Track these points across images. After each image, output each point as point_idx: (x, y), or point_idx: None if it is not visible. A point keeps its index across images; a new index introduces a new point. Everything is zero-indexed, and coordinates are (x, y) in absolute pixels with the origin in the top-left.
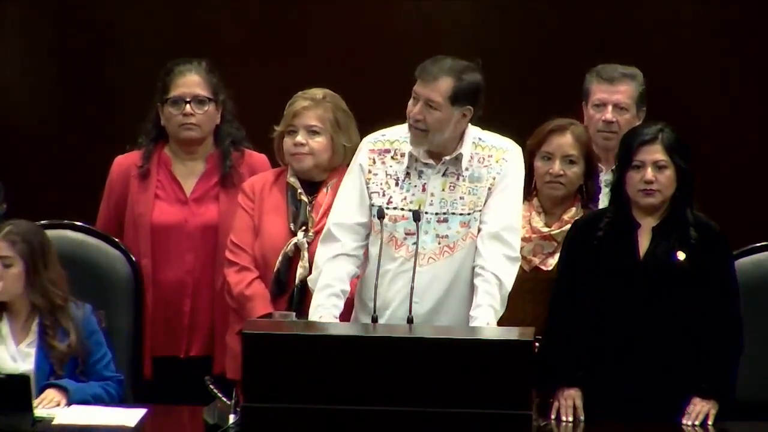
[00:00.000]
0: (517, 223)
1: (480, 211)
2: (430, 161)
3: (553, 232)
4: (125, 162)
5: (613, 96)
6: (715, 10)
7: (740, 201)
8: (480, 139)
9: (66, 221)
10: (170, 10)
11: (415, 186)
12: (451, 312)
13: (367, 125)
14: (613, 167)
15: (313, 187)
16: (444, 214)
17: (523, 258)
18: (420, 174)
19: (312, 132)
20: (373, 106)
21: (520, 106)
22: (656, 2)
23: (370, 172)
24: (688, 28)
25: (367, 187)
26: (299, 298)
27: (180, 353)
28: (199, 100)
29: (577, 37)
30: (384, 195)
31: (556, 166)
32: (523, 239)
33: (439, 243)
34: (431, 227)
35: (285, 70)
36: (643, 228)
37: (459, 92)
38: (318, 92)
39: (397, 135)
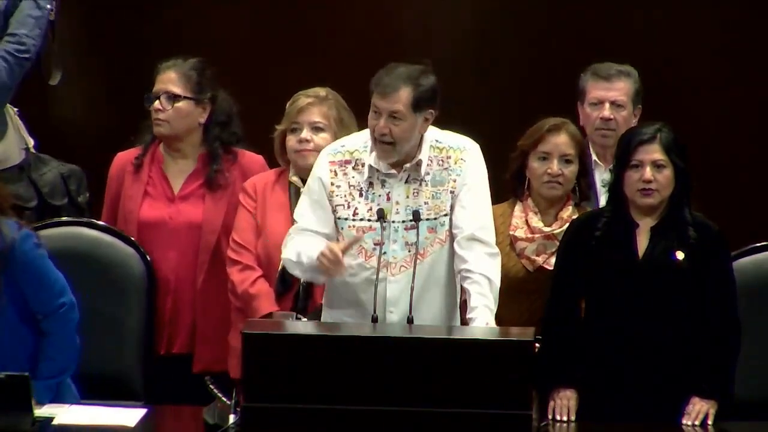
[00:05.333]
0: (489, 220)
1: (446, 215)
2: (392, 171)
3: (555, 232)
4: (123, 158)
5: (610, 93)
6: (713, 9)
7: (740, 201)
8: (437, 140)
9: (84, 219)
10: (168, 8)
11: (380, 196)
12: (426, 319)
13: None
14: (610, 165)
15: None
16: (411, 221)
17: (527, 258)
18: (383, 183)
19: (316, 129)
20: None
21: (519, 106)
22: (655, 2)
23: (332, 184)
24: (688, 28)
25: (331, 201)
26: (304, 296)
27: (161, 350)
28: (169, 96)
29: (575, 38)
30: (349, 207)
31: (555, 166)
32: (525, 239)
33: (409, 251)
34: (399, 236)
35: (285, 71)
36: (642, 228)
37: (419, 99)
38: (320, 90)
39: (357, 144)
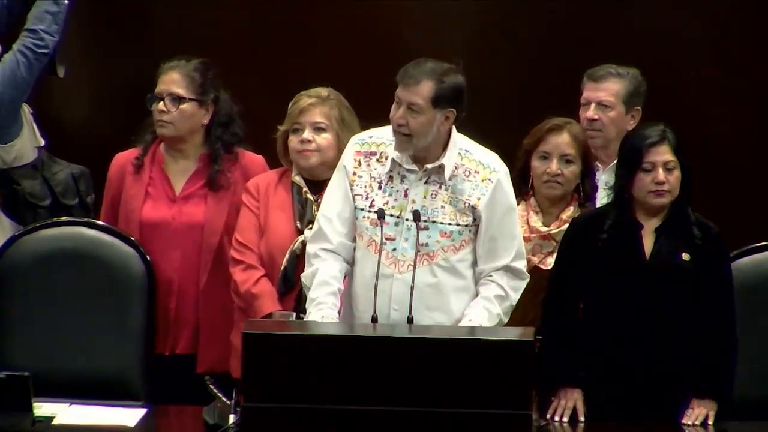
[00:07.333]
0: (522, 245)
1: (467, 226)
2: (413, 167)
3: (552, 232)
4: (122, 158)
5: (596, 94)
6: (714, 10)
7: (740, 201)
8: (467, 150)
9: (84, 219)
10: (170, 7)
11: (398, 191)
12: (429, 323)
13: (369, 125)
14: (609, 165)
15: (317, 185)
16: (425, 221)
17: None
18: (402, 179)
19: (318, 129)
20: (374, 107)
21: (520, 106)
22: (657, 3)
23: (354, 174)
24: (688, 28)
25: (351, 189)
26: (307, 296)
27: (165, 350)
28: (173, 98)
29: (578, 38)
30: (367, 198)
31: (554, 166)
32: (522, 239)
33: (419, 251)
34: (411, 234)
35: (286, 71)
36: (646, 229)
37: (441, 95)
38: (322, 90)
39: (384, 137)
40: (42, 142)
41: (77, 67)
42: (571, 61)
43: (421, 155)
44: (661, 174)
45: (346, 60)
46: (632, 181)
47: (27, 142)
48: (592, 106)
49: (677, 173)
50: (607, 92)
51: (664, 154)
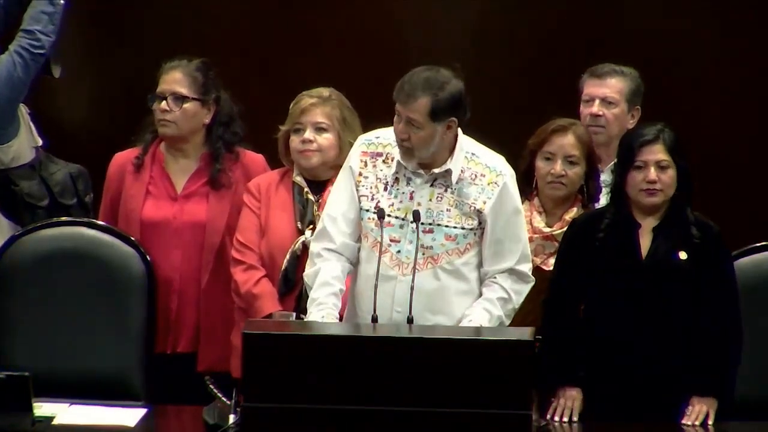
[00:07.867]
0: (527, 249)
1: (472, 230)
2: (419, 171)
3: (555, 233)
4: (122, 158)
5: (600, 90)
6: (714, 10)
7: (740, 201)
8: (473, 154)
9: (84, 219)
10: (170, 8)
11: (403, 193)
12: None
13: (370, 125)
14: (609, 165)
15: (318, 186)
16: (430, 224)
17: None
18: (408, 181)
19: (319, 129)
20: (375, 107)
21: (520, 106)
22: (657, 3)
23: (360, 174)
24: (688, 28)
25: (357, 190)
26: (307, 296)
27: (167, 349)
28: (176, 98)
29: (578, 38)
30: (372, 199)
31: (558, 167)
32: None
33: (423, 254)
34: (415, 236)
35: (286, 71)
36: (644, 228)
37: (437, 108)
38: (324, 90)
39: (390, 138)
40: (40, 142)
41: (77, 67)
42: (571, 61)
43: (428, 162)
44: (652, 173)
45: (346, 60)
46: (626, 179)
47: (24, 143)
48: (597, 102)
49: (671, 173)
50: (611, 89)
51: (657, 153)
